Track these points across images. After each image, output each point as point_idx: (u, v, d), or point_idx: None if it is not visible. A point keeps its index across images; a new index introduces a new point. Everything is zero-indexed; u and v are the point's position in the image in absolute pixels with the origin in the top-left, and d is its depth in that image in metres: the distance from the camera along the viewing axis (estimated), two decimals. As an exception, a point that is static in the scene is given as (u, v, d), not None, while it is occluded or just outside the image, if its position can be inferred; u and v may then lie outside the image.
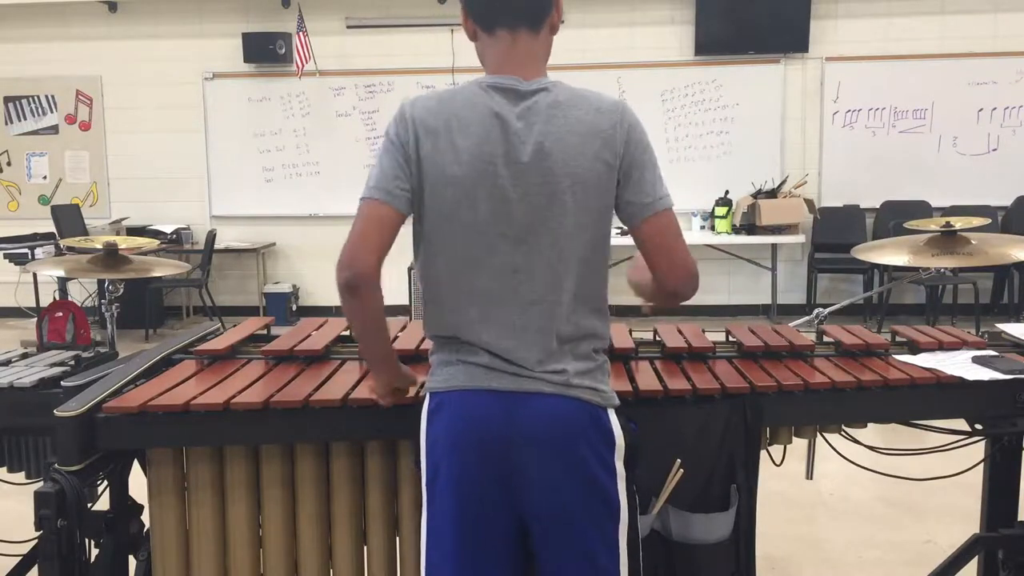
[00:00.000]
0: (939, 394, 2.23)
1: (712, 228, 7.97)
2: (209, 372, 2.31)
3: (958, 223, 3.10)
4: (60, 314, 6.14)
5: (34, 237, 7.68)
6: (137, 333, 7.73)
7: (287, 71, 8.25)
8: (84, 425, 2.02)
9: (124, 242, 3.70)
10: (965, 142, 8.01)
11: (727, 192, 7.95)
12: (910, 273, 3.54)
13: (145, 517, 2.26)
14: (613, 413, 1.82)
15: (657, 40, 8.16)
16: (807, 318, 3.02)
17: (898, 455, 2.47)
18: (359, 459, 2.13)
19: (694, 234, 7.93)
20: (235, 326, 2.70)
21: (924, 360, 2.34)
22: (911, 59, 7.94)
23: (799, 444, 2.33)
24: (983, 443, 2.48)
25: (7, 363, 2.47)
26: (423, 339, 2.45)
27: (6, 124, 8.74)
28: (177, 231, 8.31)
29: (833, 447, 2.41)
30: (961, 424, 2.37)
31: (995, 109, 7.95)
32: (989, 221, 3.96)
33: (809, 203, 7.80)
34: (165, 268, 3.85)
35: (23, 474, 2.38)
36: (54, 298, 7.12)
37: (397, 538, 2.17)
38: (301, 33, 8.03)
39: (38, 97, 8.69)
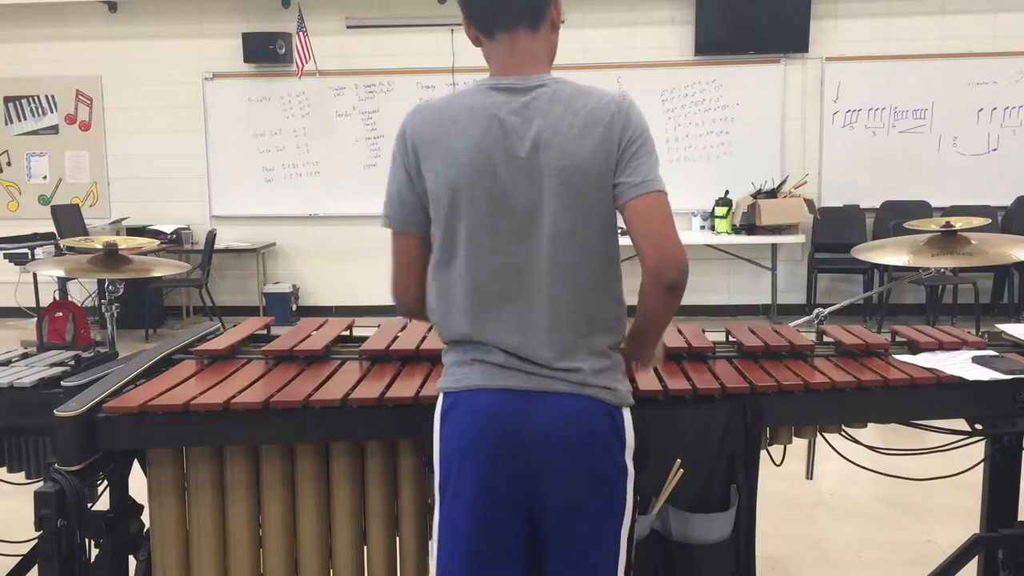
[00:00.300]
0: (939, 394, 2.23)
1: (712, 228, 7.97)
2: (209, 372, 2.31)
3: (958, 223, 3.10)
4: (60, 314, 6.13)
5: (34, 237, 7.68)
6: (137, 333, 7.73)
7: (287, 71, 8.25)
8: (84, 425, 2.01)
9: (124, 242, 3.70)
10: (965, 142, 8.01)
11: (727, 192, 7.95)
12: (910, 273, 3.53)
13: (145, 517, 2.26)
14: (628, 412, 1.82)
15: (657, 40, 8.16)
16: (807, 318, 3.02)
17: (898, 455, 2.46)
18: (359, 459, 2.13)
19: (694, 234, 7.93)
20: (235, 326, 2.70)
21: (924, 360, 2.34)
22: (911, 59, 7.94)
23: (799, 444, 2.32)
24: (983, 443, 2.48)
25: (7, 363, 2.47)
26: (423, 339, 2.45)
27: (6, 124, 8.74)
28: (177, 231, 8.31)
29: (833, 447, 2.41)
30: (961, 424, 2.38)
31: (995, 109, 7.95)
32: (989, 221, 3.96)
33: (809, 203, 7.80)
34: (165, 268, 3.84)
35: (23, 474, 2.38)
36: (54, 298, 7.12)
37: (397, 538, 2.18)
38: (301, 33, 8.03)
39: (38, 97, 8.69)
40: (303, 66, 8.07)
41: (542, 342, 1.76)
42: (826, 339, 2.55)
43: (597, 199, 1.76)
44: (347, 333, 2.62)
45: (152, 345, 3.44)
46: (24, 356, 2.56)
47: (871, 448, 2.45)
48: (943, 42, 7.91)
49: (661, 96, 8.13)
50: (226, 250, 8.33)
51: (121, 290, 3.84)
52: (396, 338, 2.49)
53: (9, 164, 8.79)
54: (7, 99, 8.71)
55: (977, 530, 2.69)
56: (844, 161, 8.12)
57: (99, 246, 3.53)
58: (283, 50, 8.20)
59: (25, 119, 8.73)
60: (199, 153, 8.55)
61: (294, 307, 8.36)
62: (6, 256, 7.36)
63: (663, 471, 2.04)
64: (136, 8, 8.46)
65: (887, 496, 4.04)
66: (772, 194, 7.90)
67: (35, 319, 6.77)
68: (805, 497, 4.05)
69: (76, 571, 2.03)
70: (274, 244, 8.63)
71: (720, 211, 7.91)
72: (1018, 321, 3.07)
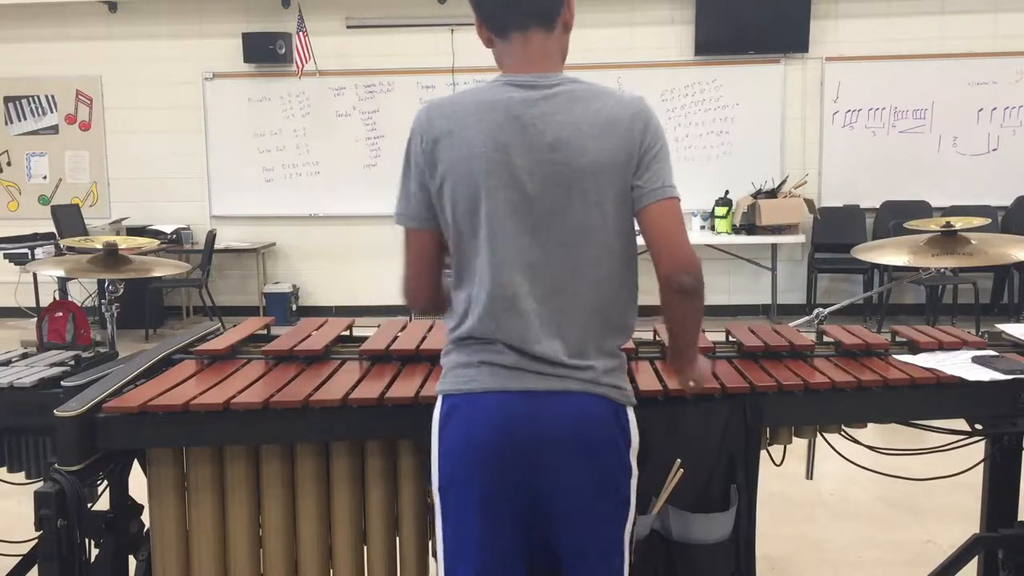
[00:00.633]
0: (939, 394, 2.23)
1: (712, 228, 7.97)
2: (209, 372, 2.31)
3: (958, 223, 3.10)
4: (60, 314, 6.12)
5: (34, 237, 7.68)
6: (137, 333, 7.73)
7: (287, 71, 8.25)
8: (84, 425, 2.02)
9: (124, 242, 3.70)
10: (965, 142, 8.01)
11: (727, 192, 7.94)
12: (910, 273, 3.53)
13: (145, 517, 2.26)
14: (631, 411, 1.82)
15: (657, 40, 8.16)
16: (807, 318, 3.02)
17: (898, 455, 2.46)
18: (359, 459, 2.13)
19: (694, 234, 7.92)
20: (235, 326, 2.70)
21: (924, 360, 2.34)
22: (911, 59, 7.94)
23: (799, 444, 2.32)
24: (983, 443, 2.48)
25: (7, 363, 2.47)
26: (423, 339, 2.46)
27: (6, 124, 8.74)
28: (177, 231, 8.31)
29: (833, 447, 2.41)
30: (961, 424, 2.37)
31: (995, 109, 7.95)
32: (989, 221, 3.96)
33: (809, 203, 7.80)
34: (165, 268, 3.84)
35: (23, 474, 2.37)
36: (54, 298, 7.12)
37: (397, 538, 2.17)
38: (301, 33, 8.03)
39: (38, 97, 8.69)
40: (303, 66, 8.07)
41: (557, 339, 1.75)
42: (826, 339, 2.55)
43: (612, 198, 1.76)
44: (347, 333, 2.62)
45: (152, 345, 3.44)
46: (24, 356, 2.56)
47: (871, 448, 2.45)
48: (943, 42, 7.91)
49: (661, 96, 8.13)
50: (226, 250, 8.33)
51: (121, 290, 3.84)
52: (396, 338, 2.49)
53: (9, 164, 8.79)
54: (7, 99, 8.71)
55: (977, 530, 2.69)
56: (844, 161, 8.12)
57: (99, 246, 3.53)
58: (283, 50, 8.21)
59: (25, 119, 8.73)
60: (199, 153, 8.55)
61: (294, 307, 8.35)
62: (6, 256, 7.37)
63: (663, 471, 2.04)
64: (136, 8, 8.46)
65: (887, 496, 4.04)
66: (772, 194, 7.90)
67: (35, 319, 6.77)
68: (805, 497, 4.05)
69: (76, 571, 2.03)
70: (274, 244, 8.63)
71: (720, 211, 7.91)
72: (1018, 321, 3.07)
